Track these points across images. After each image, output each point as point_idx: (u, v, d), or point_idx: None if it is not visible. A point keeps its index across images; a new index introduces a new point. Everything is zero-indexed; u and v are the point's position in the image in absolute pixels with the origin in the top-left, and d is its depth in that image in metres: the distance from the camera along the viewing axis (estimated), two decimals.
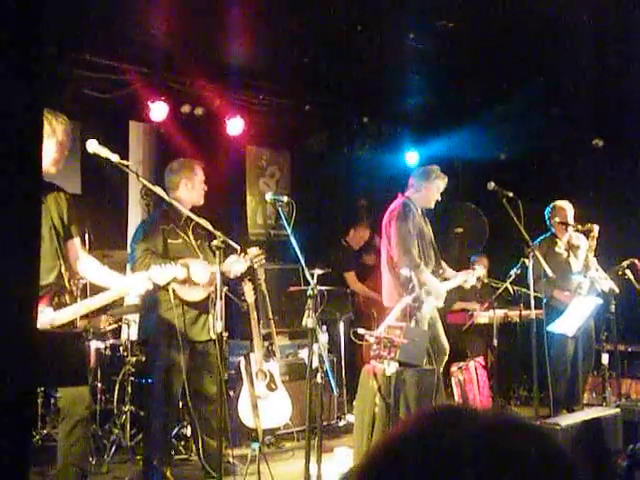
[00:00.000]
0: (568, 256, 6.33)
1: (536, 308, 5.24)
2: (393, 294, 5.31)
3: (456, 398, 6.05)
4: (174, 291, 4.32)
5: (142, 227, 4.71)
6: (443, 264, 5.54)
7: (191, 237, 4.66)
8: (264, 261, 4.95)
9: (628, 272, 5.96)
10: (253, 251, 4.81)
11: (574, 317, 5.72)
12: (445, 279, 5.40)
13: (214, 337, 4.66)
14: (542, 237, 6.40)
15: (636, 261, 5.93)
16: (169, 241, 4.54)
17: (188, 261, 4.33)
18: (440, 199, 5.48)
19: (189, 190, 4.68)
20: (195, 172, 4.77)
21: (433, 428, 0.87)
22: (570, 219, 6.30)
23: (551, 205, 6.44)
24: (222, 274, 3.77)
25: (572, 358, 6.13)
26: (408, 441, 0.87)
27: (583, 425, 3.76)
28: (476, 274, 5.33)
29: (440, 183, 5.43)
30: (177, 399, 4.73)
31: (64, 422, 3.55)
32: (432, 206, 5.46)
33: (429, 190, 5.40)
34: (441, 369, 5.41)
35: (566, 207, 6.35)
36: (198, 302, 4.61)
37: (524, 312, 6.26)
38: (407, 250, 5.16)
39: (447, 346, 5.43)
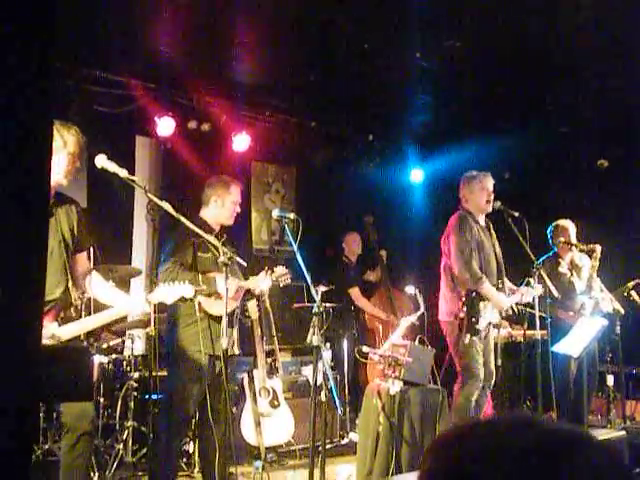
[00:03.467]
0: (571, 276, 6.31)
1: (541, 328, 5.21)
2: (450, 307, 5.22)
3: (452, 414, 6.00)
4: (199, 304, 4.30)
5: (174, 238, 4.61)
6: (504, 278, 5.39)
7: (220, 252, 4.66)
8: (289, 280, 4.91)
9: (633, 293, 5.94)
10: (279, 270, 4.81)
11: (579, 338, 5.69)
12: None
13: (238, 352, 4.67)
14: (545, 257, 6.37)
15: None
16: (199, 254, 4.51)
17: (216, 275, 4.31)
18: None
19: (218, 207, 4.65)
20: (229, 191, 4.74)
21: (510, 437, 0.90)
22: (573, 238, 6.28)
23: (554, 224, 6.41)
24: (248, 291, 3.76)
25: (576, 379, 6.09)
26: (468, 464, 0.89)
27: None
28: (536, 291, 5.20)
29: (485, 182, 5.34)
30: (192, 415, 4.69)
31: (67, 437, 3.53)
32: (488, 209, 5.34)
33: (476, 194, 5.34)
34: (483, 400, 5.31)
35: (568, 226, 6.33)
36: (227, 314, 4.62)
37: (528, 332, 6.23)
38: (467, 262, 5.10)
39: (493, 374, 5.31)
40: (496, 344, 5.41)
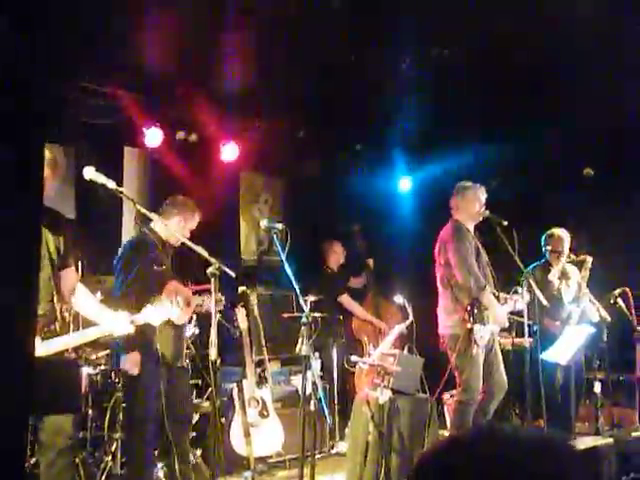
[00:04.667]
0: (560, 285, 6.34)
1: (529, 336, 5.23)
2: (452, 320, 5.19)
3: (448, 426, 6.02)
4: None
5: (129, 254, 4.68)
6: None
7: (169, 264, 4.78)
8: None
9: (620, 301, 5.98)
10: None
11: (567, 346, 5.73)
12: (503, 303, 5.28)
13: (186, 365, 4.80)
14: (536, 264, 6.41)
15: (627, 290, 5.96)
16: (154, 268, 4.61)
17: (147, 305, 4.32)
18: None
19: (180, 228, 4.71)
20: (194, 217, 4.87)
21: (472, 460, 0.94)
22: (566, 248, 6.32)
23: (548, 232, 6.44)
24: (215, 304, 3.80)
25: (564, 387, 6.12)
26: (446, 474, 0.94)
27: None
28: (525, 300, 5.23)
29: (477, 194, 5.40)
30: (156, 422, 4.75)
31: (45, 454, 3.51)
32: (479, 218, 5.39)
33: (469, 203, 5.38)
34: (493, 407, 5.33)
35: (562, 236, 6.36)
36: (178, 326, 4.69)
37: (516, 340, 6.26)
38: (470, 269, 5.10)
39: (505, 384, 5.30)
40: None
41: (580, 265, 6.27)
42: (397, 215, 8.91)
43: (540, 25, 5.64)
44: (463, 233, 5.24)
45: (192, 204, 4.94)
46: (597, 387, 6.26)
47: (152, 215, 4.11)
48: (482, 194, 5.42)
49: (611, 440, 4.04)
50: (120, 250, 4.86)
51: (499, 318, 5.16)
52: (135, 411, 4.60)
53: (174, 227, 4.66)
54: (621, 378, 6.86)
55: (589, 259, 6.16)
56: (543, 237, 6.46)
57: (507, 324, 5.33)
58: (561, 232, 6.39)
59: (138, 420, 4.56)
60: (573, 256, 6.29)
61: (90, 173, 3.65)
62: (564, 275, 6.34)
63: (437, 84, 6.91)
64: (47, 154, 3.49)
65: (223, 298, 4.86)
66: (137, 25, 5.58)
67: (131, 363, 4.40)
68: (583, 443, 3.99)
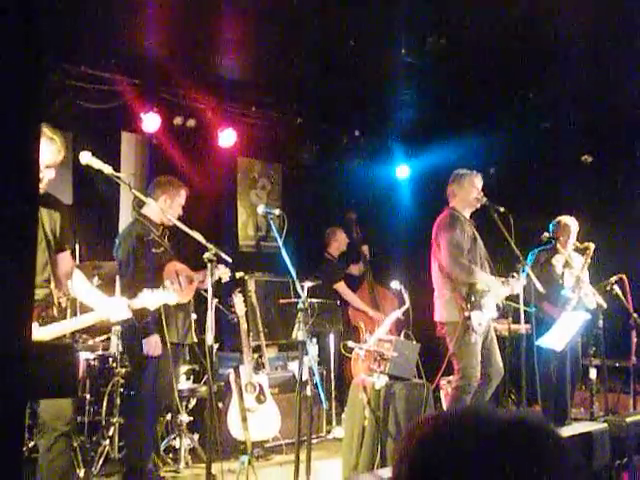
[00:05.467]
0: (563, 272, 6.36)
1: (525, 322, 5.25)
2: (449, 308, 5.20)
3: None
4: None
5: (128, 243, 4.73)
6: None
7: (167, 244, 4.87)
8: (227, 278, 4.96)
9: (616, 288, 6.00)
10: (222, 268, 4.88)
11: (562, 332, 5.75)
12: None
13: (196, 341, 4.86)
14: (542, 248, 6.41)
15: (624, 277, 5.98)
16: (153, 250, 4.68)
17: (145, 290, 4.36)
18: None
19: (166, 206, 4.74)
20: (179, 193, 4.92)
21: (452, 432, 0.97)
22: (573, 236, 6.33)
23: (556, 220, 6.43)
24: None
25: (560, 373, 6.15)
26: (427, 445, 0.97)
27: (571, 440, 3.78)
28: (522, 283, 5.22)
29: (474, 180, 5.40)
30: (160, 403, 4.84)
31: (44, 437, 3.53)
32: (476, 205, 5.38)
33: (465, 190, 5.39)
34: (489, 393, 5.35)
35: (570, 224, 6.36)
36: (185, 304, 4.75)
37: (513, 326, 6.28)
38: (456, 257, 5.12)
39: (501, 370, 5.32)
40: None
41: (582, 253, 6.28)
42: (395, 202, 8.92)
43: (534, 14, 5.63)
44: (456, 222, 5.24)
45: (175, 181, 5.00)
46: (592, 373, 6.29)
47: (148, 200, 4.12)
48: (479, 181, 5.42)
49: (605, 425, 4.06)
50: (117, 239, 4.91)
51: (498, 290, 5.15)
52: (143, 392, 4.66)
53: (163, 207, 4.69)
54: (616, 364, 6.89)
55: (592, 246, 6.17)
56: (551, 224, 6.45)
57: (497, 310, 5.33)
58: (569, 220, 6.39)
59: (145, 401, 4.63)
60: (577, 243, 6.31)
61: (87, 158, 3.65)
62: (568, 263, 6.35)
63: (435, 73, 6.90)
64: (55, 139, 3.48)
65: (228, 270, 4.91)
66: (135, 10, 5.55)
67: (152, 346, 4.55)
68: (575, 429, 4.01)
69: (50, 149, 3.41)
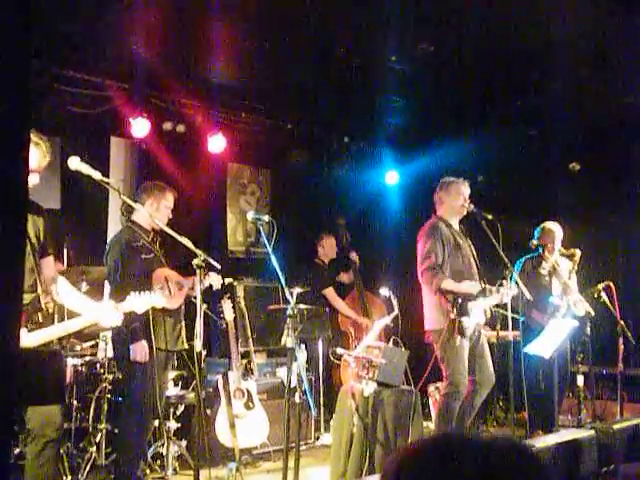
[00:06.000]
0: (550, 278, 6.38)
1: (513, 329, 5.27)
2: (436, 315, 5.23)
3: (433, 418, 6.06)
4: None
5: (118, 249, 4.72)
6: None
7: (158, 250, 4.86)
8: (218, 285, 4.96)
9: (603, 295, 6.03)
10: (213, 275, 4.86)
11: (550, 339, 5.77)
12: (487, 294, 5.26)
13: (186, 347, 4.84)
14: (528, 256, 6.45)
15: (611, 284, 6.01)
16: (143, 256, 4.69)
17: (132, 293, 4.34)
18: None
19: (153, 210, 4.72)
20: (165, 196, 4.90)
21: (432, 461, 0.97)
22: (558, 242, 6.36)
23: (540, 226, 6.47)
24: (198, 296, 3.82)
25: (548, 380, 6.17)
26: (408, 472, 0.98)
27: (559, 447, 3.79)
28: (512, 292, 5.22)
29: (461, 188, 5.43)
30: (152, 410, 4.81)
31: (33, 443, 3.50)
32: (463, 212, 5.42)
33: (452, 197, 5.42)
34: (480, 400, 5.37)
35: (555, 229, 6.40)
36: (174, 310, 4.73)
37: (501, 333, 6.30)
38: (427, 267, 5.16)
39: (492, 377, 5.33)
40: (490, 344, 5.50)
41: (569, 259, 6.31)
42: (384, 208, 8.93)
43: (523, 23, 5.67)
44: (435, 231, 5.28)
45: (160, 184, 4.99)
46: (580, 380, 6.32)
47: (137, 205, 4.12)
48: (465, 189, 5.45)
49: (593, 432, 4.08)
50: (107, 245, 4.91)
51: (470, 288, 5.17)
52: (132, 399, 4.64)
53: (150, 212, 4.68)
54: (604, 371, 6.93)
55: (578, 252, 6.21)
56: (536, 230, 6.49)
57: (485, 317, 5.35)
58: (553, 226, 6.42)
59: (134, 408, 4.61)
60: (563, 249, 6.34)
61: (75, 163, 3.64)
62: (555, 269, 6.38)
63: (424, 79, 6.93)
64: (40, 144, 3.46)
65: (220, 278, 4.91)
66: (124, 14, 5.54)
67: (140, 352, 4.54)
68: (562, 436, 4.03)
69: (35, 154, 3.40)
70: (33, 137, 3.40)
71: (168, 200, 4.90)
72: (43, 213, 3.68)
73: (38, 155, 3.42)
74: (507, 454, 0.98)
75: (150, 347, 4.55)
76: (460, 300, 5.07)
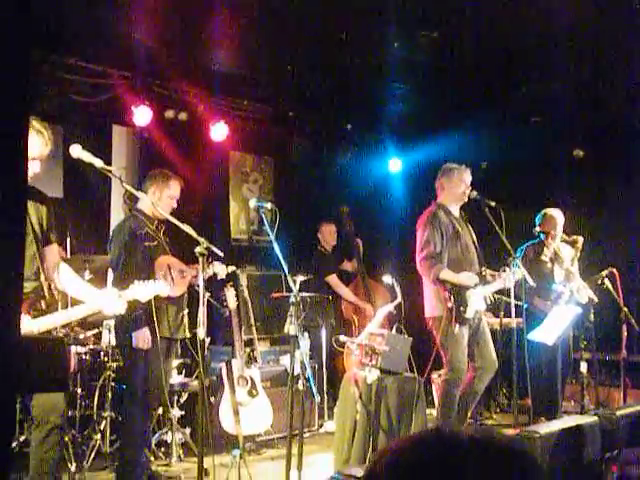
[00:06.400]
0: (553, 265, 6.37)
1: (516, 316, 5.27)
2: (435, 302, 5.25)
3: (436, 405, 6.07)
4: None
5: (121, 237, 4.71)
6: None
7: (163, 239, 4.84)
8: (224, 275, 4.98)
9: (607, 281, 6.02)
10: (218, 265, 4.84)
11: (554, 326, 5.77)
12: (487, 282, 5.31)
13: (189, 336, 4.85)
14: (530, 243, 6.44)
15: (615, 271, 6.00)
16: (146, 244, 4.68)
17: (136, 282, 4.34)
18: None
19: (155, 199, 4.69)
20: (168, 185, 4.85)
21: (419, 456, 0.97)
22: (560, 228, 6.34)
23: (542, 212, 6.45)
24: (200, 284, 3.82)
25: (551, 366, 6.18)
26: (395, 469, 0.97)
27: (562, 433, 3.80)
28: (516, 276, 5.21)
29: (463, 175, 5.42)
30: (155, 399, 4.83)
31: (37, 430, 3.52)
32: (464, 199, 5.41)
33: (454, 184, 5.40)
34: (483, 386, 5.38)
35: (556, 215, 6.37)
36: (177, 298, 4.73)
37: (504, 320, 6.30)
38: (425, 257, 5.18)
39: (495, 363, 5.33)
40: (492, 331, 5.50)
41: (572, 245, 6.30)
42: (388, 196, 8.92)
43: (525, 9, 5.63)
44: (436, 221, 5.26)
45: (164, 173, 4.94)
46: (583, 367, 6.32)
47: (139, 193, 4.11)
48: (467, 176, 5.44)
49: (596, 418, 4.08)
50: (111, 233, 4.91)
51: (468, 280, 5.17)
52: (135, 386, 4.65)
53: (153, 200, 4.66)
54: (607, 358, 6.93)
55: (580, 240, 6.19)
56: (537, 217, 6.47)
57: (486, 303, 5.35)
58: (554, 212, 6.39)
59: (138, 395, 4.63)
60: (565, 236, 6.31)
61: (77, 151, 3.62)
62: (557, 255, 6.37)
63: (427, 66, 6.89)
64: (42, 132, 3.44)
65: (225, 267, 4.92)
66: (126, 1, 5.52)
67: (142, 340, 4.54)
68: (565, 422, 4.04)
69: (37, 142, 3.39)
70: (35, 125, 3.39)
71: (171, 189, 4.86)
72: (47, 201, 3.67)
73: (40, 143, 3.41)
74: (487, 454, 0.98)
75: (153, 335, 4.56)
76: (458, 289, 5.08)
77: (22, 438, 5.03)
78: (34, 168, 3.42)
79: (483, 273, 5.31)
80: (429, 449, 0.99)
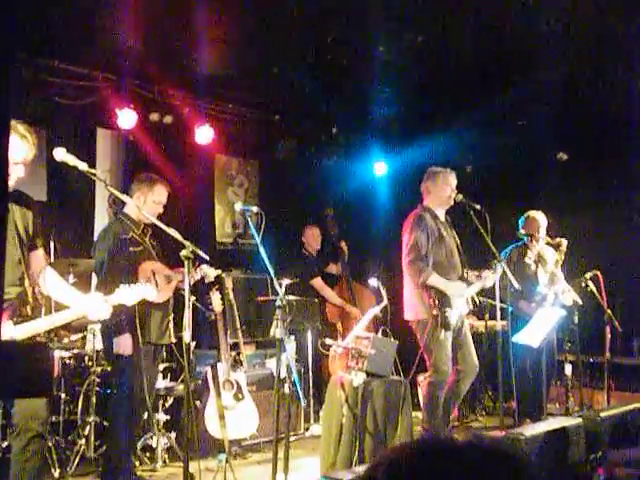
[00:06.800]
0: (536, 268, 6.41)
1: (501, 319, 5.29)
2: (418, 305, 5.25)
3: (422, 408, 6.08)
4: None
5: (106, 241, 4.69)
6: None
7: (148, 244, 4.81)
8: (212, 278, 4.97)
9: (591, 284, 6.06)
10: (205, 268, 4.83)
11: (538, 328, 5.80)
12: (469, 283, 5.33)
13: (174, 341, 4.82)
14: (514, 245, 6.47)
15: (599, 273, 6.04)
16: (131, 249, 4.66)
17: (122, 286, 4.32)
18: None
19: (140, 204, 4.65)
20: (152, 190, 4.82)
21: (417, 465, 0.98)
22: (543, 230, 6.37)
23: (525, 215, 6.49)
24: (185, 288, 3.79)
25: (536, 369, 6.21)
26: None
27: (547, 435, 3.82)
28: (497, 275, 5.21)
29: (449, 178, 5.43)
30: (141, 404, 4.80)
31: (18, 438, 3.48)
32: (450, 203, 5.42)
33: (439, 188, 5.41)
34: (465, 389, 5.41)
35: (539, 218, 6.41)
36: (163, 304, 4.70)
37: (489, 322, 6.33)
38: (413, 260, 5.18)
39: (476, 366, 5.37)
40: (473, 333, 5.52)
41: (555, 248, 6.33)
42: (373, 199, 8.94)
43: (511, 12, 5.67)
44: (422, 223, 5.28)
45: (151, 177, 4.91)
46: (567, 369, 6.35)
47: (124, 197, 4.08)
48: (452, 179, 5.46)
49: (580, 420, 4.11)
50: (96, 237, 4.88)
51: (456, 290, 5.19)
52: (120, 391, 4.63)
53: (138, 204, 4.62)
54: (591, 360, 6.97)
55: (564, 242, 6.22)
56: (520, 220, 6.50)
57: (470, 307, 5.38)
58: (537, 215, 6.43)
59: (122, 400, 4.59)
60: (549, 239, 6.35)
61: (61, 154, 3.60)
62: (541, 258, 6.40)
63: (411, 70, 6.92)
64: (27, 137, 3.41)
65: (213, 270, 4.90)
66: (110, 4, 5.50)
67: (123, 345, 4.52)
68: (550, 424, 4.06)
69: (22, 146, 3.36)
70: (20, 129, 3.36)
71: (155, 194, 4.81)
72: (33, 205, 3.64)
73: (25, 148, 3.38)
74: (486, 458, 0.99)
75: (136, 341, 4.53)
76: (442, 295, 5.10)
77: (5, 444, 4.97)
78: (18, 172, 3.39)
79: (465, 276, 5.35)
80: (429, 456, 0.99)
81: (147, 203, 4.74)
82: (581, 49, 6.29)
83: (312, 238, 7.55)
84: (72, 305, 3.57)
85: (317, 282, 7.29)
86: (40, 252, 3.66)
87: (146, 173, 5.00)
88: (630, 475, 3.44)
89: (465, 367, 5.29)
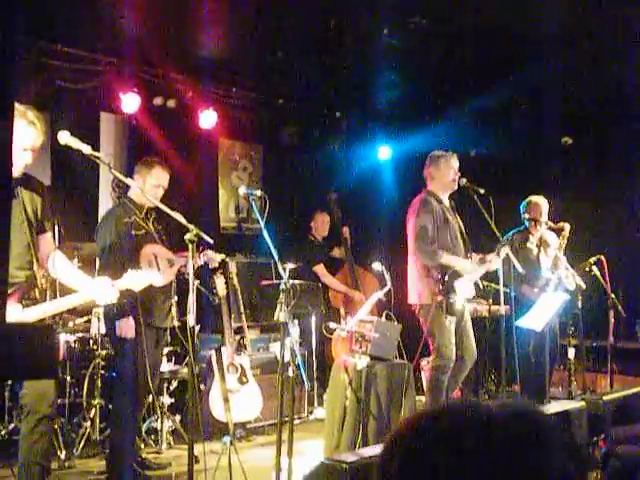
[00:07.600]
0: (539, 252, 6.40)
1: (505, 303, 5.29)
2: (422, 289, 5.25)
3: (425, 392, 6.11)
4: None
5: (109, 225, 4.69)
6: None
7: (152, 227, 4.81)
8: (216, 264, 4.97)
9: (595, 268, 6.05)
10: (210, 253, 4.84)
11: (542, 312, 5.80)
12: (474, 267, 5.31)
13: (177, 324, 4.82)
14: (515, 230, 6.45)
15: (602, 258, 6.03)
16: (133, 232, 4.66)
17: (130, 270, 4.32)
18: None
19: (140, 186, 4.63)
20: (150, 173, 4.79)
21: (454, 426, 0.99)
22: (544, 215, 6.35)
23: (526, 200, 6.46)
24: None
25: (539, 353, 6.22)
26: (426, 437, 0.98)
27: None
28: (502, 257, 5.18)
29: (450, 161, 5.40)
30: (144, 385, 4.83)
31: (27, 419, 3.51)
32: (454, 187, 5.40)
33: (442, 172, 5.39)
34: (463, 374, 5.42)
35: (541, 203, 6.39)
36: (164, 287, 4.70)
37: (493, 307, 6.33)
38: (423, 243, 5.17)
39: (474, 352, 5.38)
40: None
41: (558, 233, 6.32)
42: (376, 183, 8.91)
43: None
44: (428, 206, 5.26)
45: (148, 160, 4.88)
46: (571, 353, 6.36)
47: (128, 180, 4.08)
48: (455, 162, 5.43)
49: (583, 404, 4.13)
50: (99, 220, 4.88)
51: (468, 269, 5.19)
52: (124, 374, 4.65)
53: (141, 187, 4.61)
54: (594, 344, 6.98)
55: (567, 227, 6.21)
56: (522, 204, 6.49)
57: (475, 289, 5.38)
58: (539, 199, 6.41)
59: (127, 383, 4.62)
60: (551, 223, 6.33)
61: (65, 138, 3.59)
62: (543, 242, 6.39)
63: (416, 53, 6.88)
64: (36, 124, 3.41)
65: (217, 255, 4.90)
66: None
67: (125, 328, 4.53)
68: (553, 408, 4.08)
69: (30, 133, 3.36)
70: (30, 116, 3.36)
71: (154, 177, 4.79)
72: (42, 189, 3.64)
73: (33, 134, 3.38)
74: (510, 423, 0.98)
75: (139, 324, 4.54)
76: (447, 278, 5.09)
77: (11, 426, 5.02)
78: (26, 159, 3.39)
79: (470, 260, 5.34)
80: (461, 415, 0.99)
81: (147, 186, 4.73)
82: (589, 32, 6.24)
83: (321, 224, 7.54)
84: (80, 289, 3.57)
85: (319, 269, 7.28)
86: (49, 235, 3.67)
87: (147, 157, 4.98)
88: (631, 452, 3.45)
89: (464, 354, 5.30)
